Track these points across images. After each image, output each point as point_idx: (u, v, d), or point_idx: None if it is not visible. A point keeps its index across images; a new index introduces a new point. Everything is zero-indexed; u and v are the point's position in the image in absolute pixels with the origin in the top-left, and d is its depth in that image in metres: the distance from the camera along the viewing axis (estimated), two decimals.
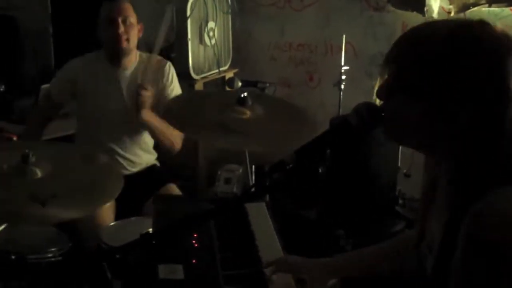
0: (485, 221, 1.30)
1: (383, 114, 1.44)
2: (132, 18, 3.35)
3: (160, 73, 3.44)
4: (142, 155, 3.50)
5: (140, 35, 3.42)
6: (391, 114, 1.42)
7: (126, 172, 3.37)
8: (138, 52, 3.46)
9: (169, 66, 3.49)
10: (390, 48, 1.44)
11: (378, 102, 1.47)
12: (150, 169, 3.53)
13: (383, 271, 1.90)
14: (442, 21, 1.46)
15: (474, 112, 1.33)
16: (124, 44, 3.32)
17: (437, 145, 1.41)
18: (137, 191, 3.27)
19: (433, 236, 1.50)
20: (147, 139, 3.51)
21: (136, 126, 3.40)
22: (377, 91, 1.45)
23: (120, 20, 3.30)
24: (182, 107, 3.00)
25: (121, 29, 3.29)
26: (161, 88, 3.43)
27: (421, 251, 1.60)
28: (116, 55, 3.36)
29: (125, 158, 3.43)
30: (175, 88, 3.48)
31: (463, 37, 1.34)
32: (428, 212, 1.57)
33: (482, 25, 1.36)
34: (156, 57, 3.43)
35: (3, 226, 2.49)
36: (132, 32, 3.33)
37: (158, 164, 3.61)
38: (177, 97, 3.40)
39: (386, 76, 1.43)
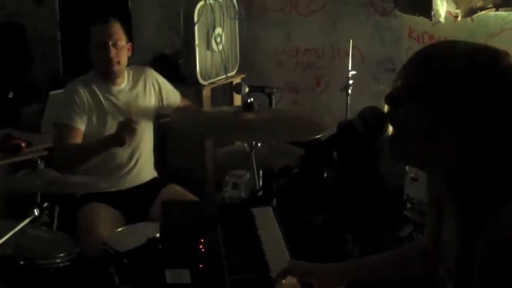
0: (499, 242, 1.29)
1: (389, 122, 1.45)
2: (122, 40, 3.42)
3: (151, 81, 3.59)
4: (144, 169, 3.53)
5: (129, 54, 3.50)
6: (398, 122, 1.43)
7: (129, 186, 3.39)
8: (127, 67, 3.55)
9: (153, 71, 3.66)
10: (410, 58, 1.45)
11: (386, 107, 1.48)
12: (152, 181, 3.56)
13: (391, 278, 1.90)
14: (464, 42, 1.46)
15: (483, 131, 1.33)
16: (116, 67, 3.40)
17: (440, 160, 1.40)
18: (141, 200, 3.31)
19: (448, 260, 1.49)
20: (149, 153, 3.55)
21: (138, 142, 3.44)
22: (387, 97, 1.45)
23: (110, 44, 3.36)
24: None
25: (112, 53, 3.36)
26: (162, 92, 3.61)
27: (439, 276, 1.58)
28: (109, 76, 3.44)
29: (127, 173, 3.44)
30: (169, 88, 3.68)
31: (483, 62, 1.36)
32: (438, 234, 1.56)
33: (504, 55, 1.38)
34: (142, 68, 3.63)
35: (11, 233, 2.49)
36: (122, 54, 3.41)
37: (158, 176, 3.63)
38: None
39: (399, 83, 1.43)
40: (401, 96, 1.41)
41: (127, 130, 3.20)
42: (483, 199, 1.35)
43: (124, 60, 3.42)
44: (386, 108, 1.47)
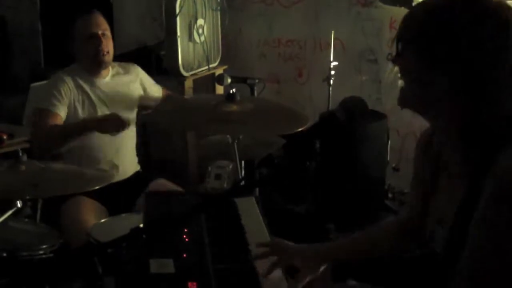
0: (508, 178, 1.35)
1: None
2: (108, 31, 3.43)
3: (134, 75, 3.59)
4: (128, 161, 3.53)
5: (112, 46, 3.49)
6: (401, 71, 1.49)
7: (113, 180, 3.38)
8: (113, 63, 3.54)
9: (136, 67, 3.65)
10: (410, 10, 1.52)
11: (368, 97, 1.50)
12: (135, 174, 3.56)
13: (372, 255, 1.95)
14: None
15: (481, 73, 1.40)
16: (106, 57, 3.38)
17: (447, 106, 1.45)
18: (126, 195, 3.31)
19: (443, 211, 1.54)
20: (131, 146, 3.56)
21: (121, 134, 3.45)
22: (390, 56, 1.51)
23: (100, 33, 3.36)
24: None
25: (103, 43, 3.35)
26: (143, 87, 3.61)
27: (426, 228, 1.64)
28: (97, 67, 3.42)
29: (111, 166, 3.44)
30: (152, 83, 3.68)
31: (473, 7, 1.42)
32: (432, 191, 1.62)
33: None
34: (126, 64, 3.62)
35: None
36: (110, 45, 3.41)
37: (141, 170, 3.63)
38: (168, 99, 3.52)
39: (405, 34, 1.48)
40: (400, 49, 1.47)
41: (116, 124, 3.20)
42: (490, 140, 1.41)
43: (112, 51, 3.41)
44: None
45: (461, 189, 1.46)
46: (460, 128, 1.47)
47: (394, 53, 1.50)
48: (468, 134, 1.45)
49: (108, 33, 3.41)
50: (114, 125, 3.20)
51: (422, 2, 1.52)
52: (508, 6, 1.44)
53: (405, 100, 1.50)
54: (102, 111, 3.40)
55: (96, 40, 3.35)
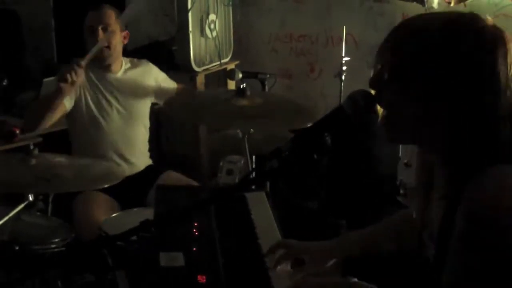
0: (479, 198, 1.34)
1: (378, 106, 1.47)
2: (114, 26, 3.41)
3: (147, 71, 3.61)
4: (139, 156, 3.55)
5: (126, 41, 3.52)
6: (387, 104, 1.45)
7: (125, 174, 3.39)
8: (125, 59, 3.57)
9: (149, 63, 3.66)
10: (385, 39, 1.48)
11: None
12: (147, 168, 3.57)
13: (383, 250, 1.93)
14: (435, 13, 1.50)
15: (465, 98, 1.38)
16: (105, 52, 3.38)
17: (430, 133, 1.44)
18: (137, 189, 3.32)
19: (434, 225, 1.52)
20: (143, 141, 3.57)
21: (133, 129, 3.46)
22: (370, 81, 1.48)
23: (100, 28, 3.36)
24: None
25: (100, 37, 3.34)
26: (157, 84, 3.62)
27: (422, 240, 1.62)
28: (101, 62, 3.43)
29: (123, 160, 3.45)
30: (166, 78, 3.69)
31: (455, 29, 1.39)
32: (427, 200, 1.60)
33: (473, 17, 1.42)
34: (139, 60, 3.62)
35: (6, 218, 2.51)
36: (113, 40, 3.39)
37: (152, 164, 3.64)
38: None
39: (379, 66, 1.45)
40: (385, 78, 1.44)
41: (66, 75, 3.15)
42: (469, 165, 1.39)
43: (116, 46, 3.42)
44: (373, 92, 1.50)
45: (442, 209, 1.45)
46: (442, 153, 1.46)
47: (377, 78, 1.48)
48: (450, 159, 1.44)
49: (112, 27, 3.40)
50: (66, 72, 3.16)
51: (403, 23, 1.49)
52: (496, 28, 1.42)
53: (397, 135, 1.50)
54: (114, 106, 3.42)
55: (95, 34, 3.36)
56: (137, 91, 3.52)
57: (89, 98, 3.39)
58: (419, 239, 1.65)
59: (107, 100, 3.42)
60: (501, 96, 1.38)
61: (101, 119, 3.41)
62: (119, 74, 3.50)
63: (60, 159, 2.79)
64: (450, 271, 1.39)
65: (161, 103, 3.65)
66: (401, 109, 1.43)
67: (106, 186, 2.70)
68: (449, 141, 1.42)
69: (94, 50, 3.28)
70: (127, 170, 3.39)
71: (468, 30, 1.39)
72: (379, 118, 1.48)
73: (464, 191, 1.36)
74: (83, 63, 3.19)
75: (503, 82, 1.37)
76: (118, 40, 3.43)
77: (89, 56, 3.24)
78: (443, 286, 1.40)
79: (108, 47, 3.38)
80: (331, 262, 1.89)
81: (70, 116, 3.41)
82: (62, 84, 3.15)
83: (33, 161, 2.65)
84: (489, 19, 1.43)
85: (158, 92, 3.61)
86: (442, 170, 1.50)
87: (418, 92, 1.40)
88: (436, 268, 1.46)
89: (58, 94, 3.19)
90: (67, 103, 3.32)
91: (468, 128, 1.39)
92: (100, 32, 3.36)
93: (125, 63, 3.55)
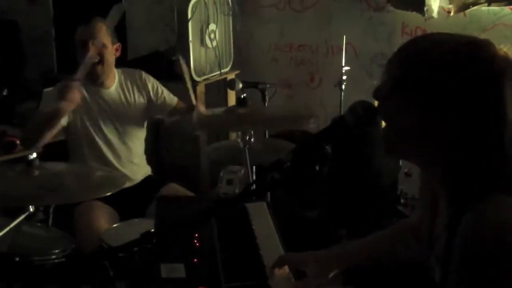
0: (479, 231, 1.31)
1: (380, 118, 1.46)
2: (105, 40, 3.36)
3: (142, 84, 3.55)
4: (138, 168, 3.53)
5: (118, 54, 3.46)
6: (387, 116, 1.45)
7: (126, 186, 3.38)
8: (118, 70, 3.52)
9: (144, 74, 3.60)
10: (395, 52, 1.46)
11: (376, 102, 1.49)
12: (147, 179, 3.56)
13: (383, 260, 1.92)
14: (449, 34, 1.46)
15: (468, 126, 1.36)
16: (98, 67, 3.34)
17: (429, 154, 1.42)
18: (138, 200, 3.31)
19: (440, 248, 1.50)
20: (141, 153, 3.56)
21: (128, 143, 3.45)
22: (374, 91, 1.47)
23: (90, 42, 3.31)
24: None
25: (91, 52, 3.29)
26: (153, 94, 3.56)
27: (430, 263, 1.60)
28: (94, 76, 3.38)
29: (122, 170, 3.44)
30: (163, 88, 3.63)
31: (464, 54, 1.37)
32: (433, 223, 1.58)
33: (484, 44, 1.39)
34: (133, 71, 3.57)
35: (7, 229, 2.50)
36: (105, 54, 3.35)
37: (152, 174, 3.62)
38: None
39: (385, 78, 1.45)
40: (388, 91, 1.43)
41: (67, 94, 3.15)
42: (468, 193, 1.37)
43: (108, 60, 3.37)
44: (376, 103, 1.49)
45: (445, 236, 1.43)
46: (441, 178, 1.44)
47: (381, 90, 1.45)
48: (449, 185, 1.42)
49: (104, 41, 3.34)
50: (66, 91, 3.15)
51: (415, 40, 1.47)
52: (507, 58, 1.38)
53: (396, 149, 1.48)
54: (105, 122, 3.40)
55: (86, 48, 3.30)
56: (131, 104, 3.49)
57: (83, 114, 3.37)
58: (426, 263, 1.63)
59: (102, 116, 3.40)
60: (506, 127, 1.35)
61: (95, 136, 3.38)
62: (113, 88, 3.47)
63: (61, 168, 2.78)
64: None
65: (155, 115, 3.61)
66: (398, 124, 1.42)
67: (109, 193, 2.68)
68: (448, 166, 1.40)
69: (85, 63, 3.25)
70: (127, 181, 3.37)
71: (476, 57, 1.36)
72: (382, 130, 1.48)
73: (463, 220, 1.34)
74: (78, 77, 3.17)
75: (509, 113, 1.35)
76: (110, 53, 3.38)
77: (81, 71, 3.22)
78: None
79: (101, 61, 3.33)
80: (331, 274, 1.88)
81: (66, 130, 3.40)
82: (64, 103, 3.14)
83: (36, 172, 2.63)
84: (502, 48, 1.39)
85: (153, 104, 3.56)
86: (443, 194, 1.48)
87: (417, 110, 1.38)
88: None
89: (59, 113, 3.18)
90: (63, 120, 3.30)
91: (468, 155, 1.37)
92: (91, 46, 3.30)
93: (118, 75, 3.51)
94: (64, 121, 3.30)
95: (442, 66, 1.36)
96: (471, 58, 1.37)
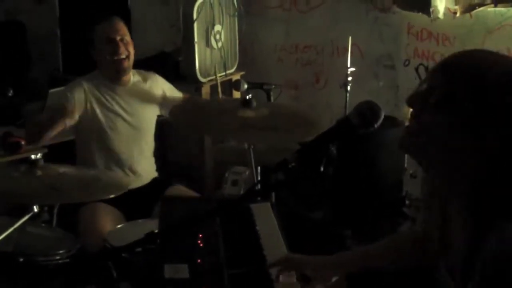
0: (500, 257, 1.30)
1: (408, 125, 1.44)
2: (128, 36, 3.44)
3: (155, 84, 3.60)
4: (146, 168, 3.54)
5: (134, 52, 3.49)
6: (424, 125, 1.42)
7: (132, 187, 3.38)
8: (133, 70, 3.56)
9: (155, 75, 3.66)
10: (443, 62, 1.43)
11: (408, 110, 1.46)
12: (153, 181, 3.56)
13: (387, 267, 1.92)
14: (498, 54, 1.44)
15: (507, 147, 1.33)
16: (125, 63, 3.40)
17: (459, 168, 1.40)
18: (143, 201, 3.31)
19: (454, 262, 1.49)
20: (150, 153, 3.57)
21: (140, 141, 3.46)
22: (412, 97, 1.44)
23: (118, 39, 3.37)
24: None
25: (122, 48, 3.36)
26: (164, 95, 3.60)
27: (441, 276, 1.58)
28: (117, 73, 3.43)
29: (130, 172, 3.45)
30: (172, 88, 3.67)
31: None
32: (445, 228, 1.55)
33: None
34: (147, 72, 3.62)
35: (11, 229, 2.50)
36: (130, 50, 3.42)
37: (158, 177, 3.63)
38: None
39: (426, 86, 1.42)
40: (432, 102, 1.40)
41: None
42: (493, 211, 1.35)
43: (132, 56, 3.43)
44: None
45: (461, 248, 1.42)
46: (463, 197, 1.41)
47: (420, 98, 1.42)
48: (472, 205, 1.39)
49: (127, 38, 3.43)
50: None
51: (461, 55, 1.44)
52: None
53: (419, 152, 1.46)
54: (121, 118, 3.41)
55: (114, 45, 3.36)
56: (144, 103, 3.52)
57: (97, 110, 3.38)
58: (436, 274, 1.62)
59: (115, 113, 3.42)
60: None
61: (108, 131, 3.40)
62: (128, 86, 3.50)
63: (66, 169, 2.78)
64: None
65: (166, 114, 3.64)
66: (435, 132, 1.39)
67: (112, 196, 2.69)
68: (478, 183, 1.38)
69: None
70: (134, 182, 3.38)
71: None
72: (406, 126, 1.44)
73: (489, 237, 1.32)
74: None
75: None
76: (133, 49, 3.45)
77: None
78: None
79: (127, 57, 3.39)
80: (335, 278, 1.88)
81: (77, 127, 3.41)
82: (70, 104, 3.24)
83: (39, 172, 2.63)
84: None
85: (165, 103, 3.61)
86: (461, 211, 1.44)
87: (462, 126, 1.35)
88: None
89: (65, 111, 3.25)
90: (71, 120, 3.32)
91: (501, 174, 1.35)
92: (119, 42, 3.36)
93: (133, 75, 3.54)
94: (72, 121, 3.32)
95: (497, 88, 1.34)
96: None
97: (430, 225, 1.65)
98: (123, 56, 3.38)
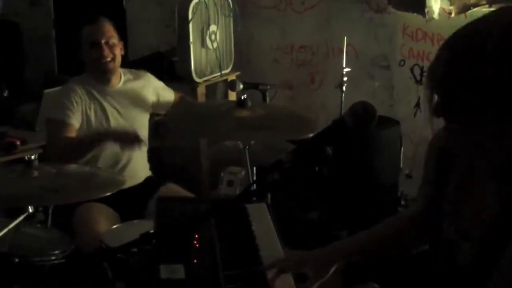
0: None
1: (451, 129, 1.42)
2: (114, 38, 3.44)
3: (147, 83, 3.61)
4: (139, 167, 3.54)
5: (122, 53, 3.51)
6: (456, 133, 1.41)
7: (126, 186, 3.38)
8: (124, 70, 3.58)
9: (147, 74, 3.67)
10: (452, 71, 1.42)
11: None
12: (147, 180, 3.56)
13: (384, 252, 1.91)
14: (487, 19, 1.44)
15: None
16: (110, 64, 3.41)
17: (494, 145, 1.39)
18: (137, 200, 3.32)
19: (468, 224, 1.50)
20: (144, 152, 3.57)
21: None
22: (435, 109, 1.40)
23: (103, 42, 3.38)
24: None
25: (106, 51, 3.37)
26: (157, 93, 3.62)
27: (447, 237, 1.58)
28: (104, 74, 3.44)
29: (125, 170, 3.45)
30: (164, 87, 3.70)
31: None
32: (461, 198, 1.56)
33: None
34: (138, 71, 3.64)
35: (6, 230, 2.49)
36: (116, 52, 3.42)
37: (152, 176, 3.63)
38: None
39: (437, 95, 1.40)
40: (455, 111, 1.38)
41: (132, 139, 3.28)
42: None
43: (118, 58, 3.43)
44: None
45: (491, 207, 1.43)
46: (497, 170, 1.42)
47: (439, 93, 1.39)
48: (505, 175, 1.40)
49: (113, 40, 3.42)
50: (130, 140, 3.24)
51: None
52: None
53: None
54: (115, 118, 3.42)
55: (98, 48, 3.37)
56: (137, 103, 3.53)
57: (90, 111, 3.38)
58: (437, 235, 1.62)
59: (107, 113, 3.42)
60: None
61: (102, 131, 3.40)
62: (119, 86, 3.50)
63: (61, 169, 2.78)
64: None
65: (162, 112, 3.65)
66: (478, 130, 1.37)
67: (108, 194, 2.68)
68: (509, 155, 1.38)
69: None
70: (128, 181, 3.37)
71: None
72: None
73: None
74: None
75: None
76: (119, 51, 3.45)
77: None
78: (496, 283, 1.38)
79: (113, 59, 3.40)
80: (332, 270, 1.87)
81: (77, 131, 3.41)
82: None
83: (35, 173, 2.63)
84: None
85: (157, 102, 3.62)
86: (490, 178, 1.46)
87: (492, 112, 1.33)
88: (478, 268, 1.43)
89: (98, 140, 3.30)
90: (76, 122, 3.34)
91: None
92: (103, 46, 3.37)
93: (123, 74, 3.54)
94: (77, 123, 3.33)
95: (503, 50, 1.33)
96: None
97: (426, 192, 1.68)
98: (108, 59, 3.39)
